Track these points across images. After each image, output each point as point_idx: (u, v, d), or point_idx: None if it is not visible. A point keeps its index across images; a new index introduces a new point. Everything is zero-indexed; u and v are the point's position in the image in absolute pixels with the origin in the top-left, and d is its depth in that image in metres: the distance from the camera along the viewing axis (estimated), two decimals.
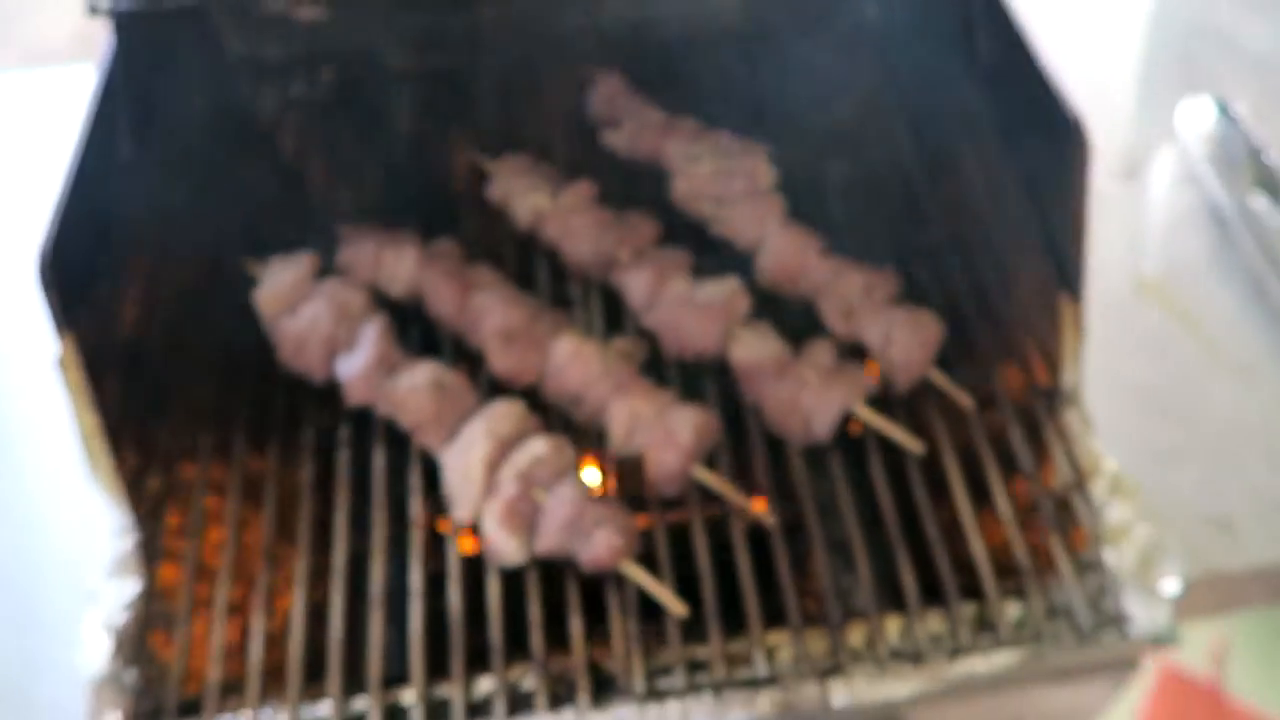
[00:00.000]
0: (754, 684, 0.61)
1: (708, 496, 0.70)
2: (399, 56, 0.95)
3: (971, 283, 0.79)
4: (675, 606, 0.64)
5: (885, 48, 0.94)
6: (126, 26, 0.74)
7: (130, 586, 0.65)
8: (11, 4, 1.10)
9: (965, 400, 0.72)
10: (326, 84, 0.96)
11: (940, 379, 0.72)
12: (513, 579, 0.67)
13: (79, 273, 0.64)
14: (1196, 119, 0.87)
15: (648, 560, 0.66)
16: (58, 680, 0.63)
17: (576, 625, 0.65)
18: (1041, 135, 0.66)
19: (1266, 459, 0.72)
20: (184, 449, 0.74)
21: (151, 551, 0.68)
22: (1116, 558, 0.64)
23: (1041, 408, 0.71)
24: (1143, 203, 0.87)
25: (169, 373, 0.74)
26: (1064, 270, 0.66)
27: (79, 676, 0.61)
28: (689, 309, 0.73)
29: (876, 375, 0.73)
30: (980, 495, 0.70)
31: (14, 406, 0.80)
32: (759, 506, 0.68)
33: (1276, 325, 0.78)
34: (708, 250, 0.81)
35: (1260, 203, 0.80)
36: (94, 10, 0.72)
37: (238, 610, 0.69)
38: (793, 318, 0.77)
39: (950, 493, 0.70)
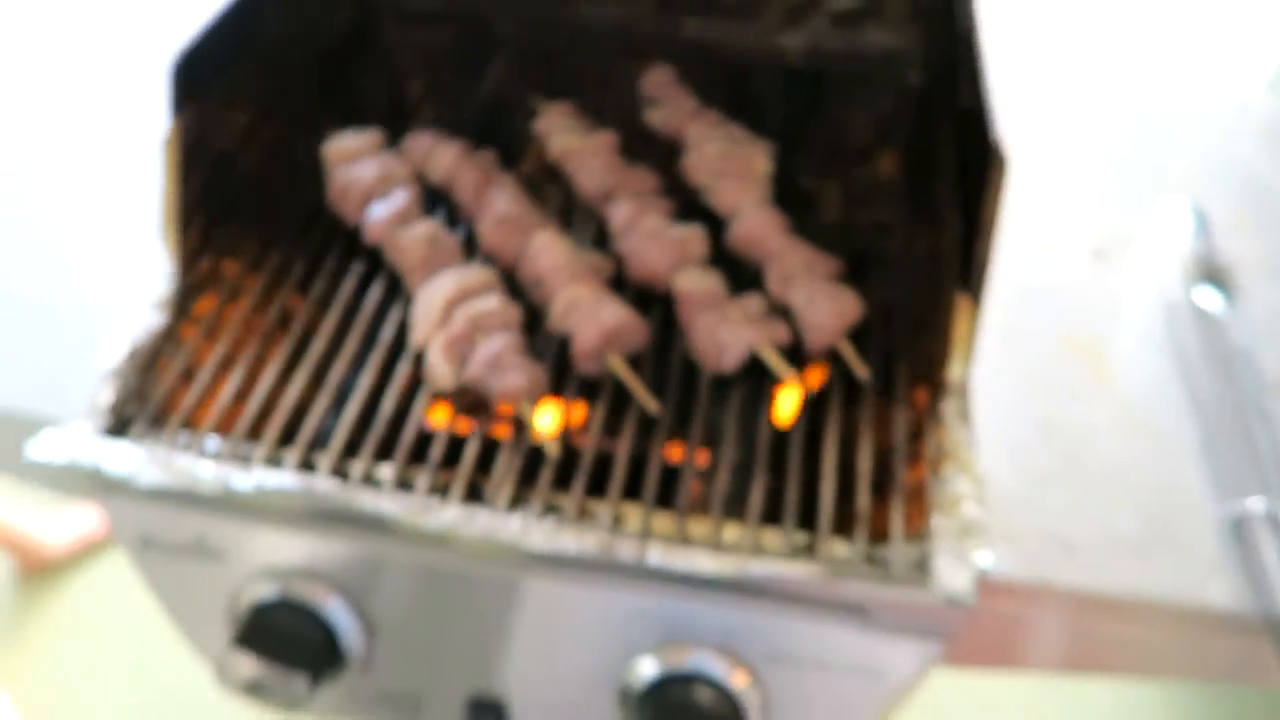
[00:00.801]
0: (591, 526, 0.71)
1: (619, 396, 0.81)
2: (510, 27, 1.16)
3: (904, 295, 0.88)
4: (553, 446, 0.74)
5: (918, 106, 1.06)
6: None
7: (159, 319, 0.82)
8: None
9: (863, 371, 0.80)
10: (448, 37, 1.17)
11: (847, 350, 0.81)
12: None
13: (203, 78, 0.83)
14: (1171, 215, 0.94)
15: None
16: (88, 379, 0.80)
17: (472, 449, 0.76)
18: (981, 168, 0.75)
19: (1131, 506, 0.77)
20: (233, 249, 0.92)
21: (183, 311, 0.85)
22: (942, 524, 0.70)
23: (930, 398, 0.78)
24: (1103, 281, 0.94)
25: (245, 187, 0.93)
26: (969, 274, 0.75)
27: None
28: (654, 239, 0.86)
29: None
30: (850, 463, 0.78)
31: (122, 172, 1.01)
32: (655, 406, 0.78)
33: (1191, 402, 0.83)
34: (695, 214, 0.94)
35: (1205, 296, 0.85)
36: None
37: (224, 371, 0.84)
38: (745, 282, 0.88)
39: (823, 447, 0.78)
